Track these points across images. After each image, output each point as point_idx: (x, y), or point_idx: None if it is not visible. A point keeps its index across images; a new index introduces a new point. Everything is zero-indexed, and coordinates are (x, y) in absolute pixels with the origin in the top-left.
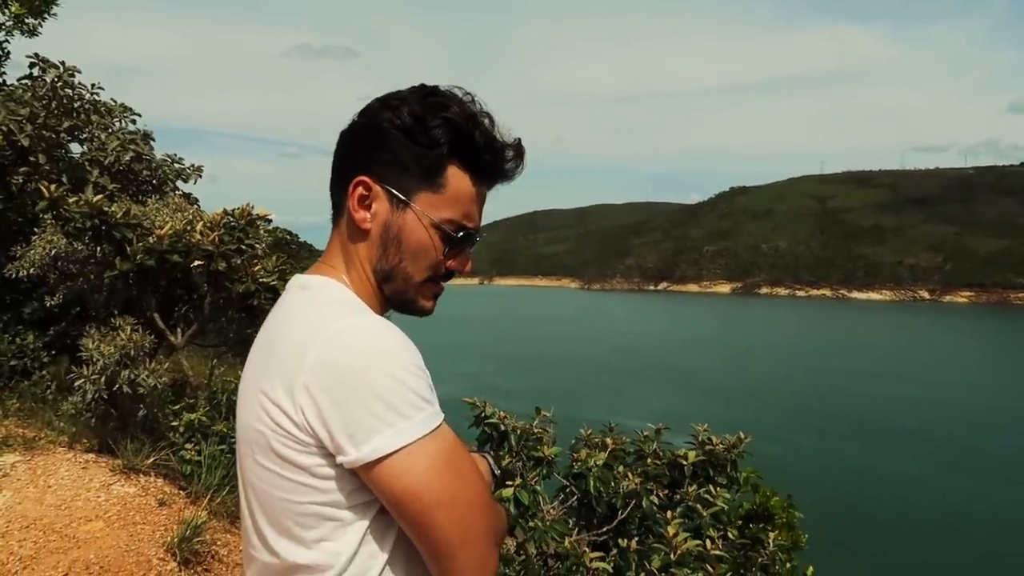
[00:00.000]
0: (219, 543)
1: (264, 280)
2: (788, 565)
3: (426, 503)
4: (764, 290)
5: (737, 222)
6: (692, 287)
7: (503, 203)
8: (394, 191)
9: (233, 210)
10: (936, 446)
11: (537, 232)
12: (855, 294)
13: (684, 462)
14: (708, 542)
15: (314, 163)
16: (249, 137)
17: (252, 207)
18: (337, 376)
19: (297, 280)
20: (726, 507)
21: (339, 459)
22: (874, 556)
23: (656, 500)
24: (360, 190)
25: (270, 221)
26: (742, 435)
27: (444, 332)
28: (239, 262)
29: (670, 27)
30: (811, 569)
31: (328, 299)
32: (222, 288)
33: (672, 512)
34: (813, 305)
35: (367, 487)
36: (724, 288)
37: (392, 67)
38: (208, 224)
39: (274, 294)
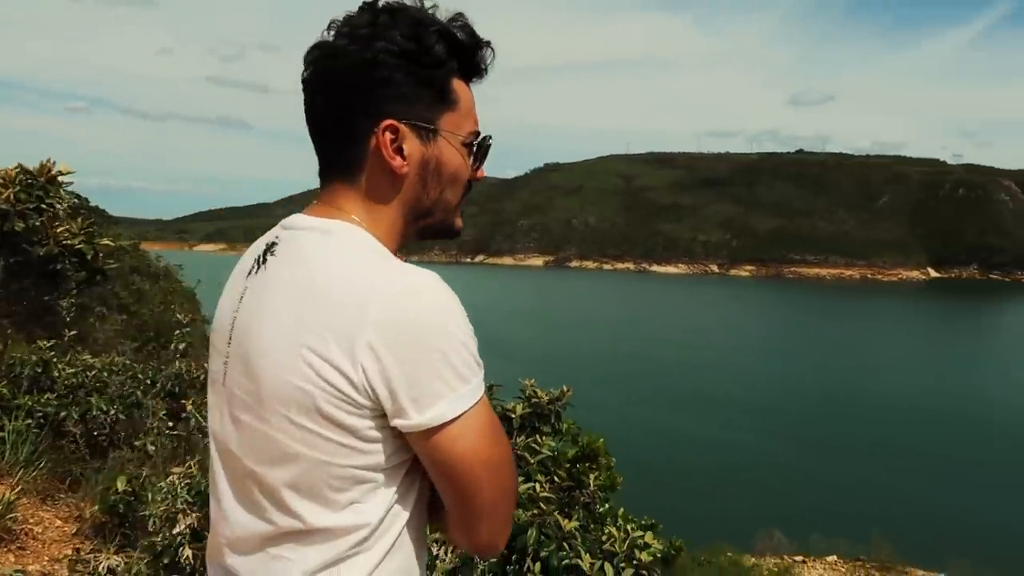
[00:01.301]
0: (32, 521)
1: (68, 243)
2: (607, 505)
3: (477, 466)
4: (575, 263)
5: (550, 197)
6: (507, 260)
7: (306, 172)
8: (422, 124)
9: (31, 167)
10: (729, 407)
11: None
12: (655, 267)
13: (512, 415)
14: (537, 485)
15: (104, 119)
16: (30, 87)
17: (53, 163)
18: (406, 336)
19: (305, 222)
20: (552, 454)
21: (397, 422)
22: (670, 511)
23: None
24: (389, 135)
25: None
26: (565, 388)
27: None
28: (39, 223)
29: (488, 2)
30: (622, 510)
31: (366, 247)
32: (19, 251)
33: None
34: (618, 277)
35: (405, 448)
36: (537, 261)
37: (195, 18)
38: (0, 180)
39: (80, 258)
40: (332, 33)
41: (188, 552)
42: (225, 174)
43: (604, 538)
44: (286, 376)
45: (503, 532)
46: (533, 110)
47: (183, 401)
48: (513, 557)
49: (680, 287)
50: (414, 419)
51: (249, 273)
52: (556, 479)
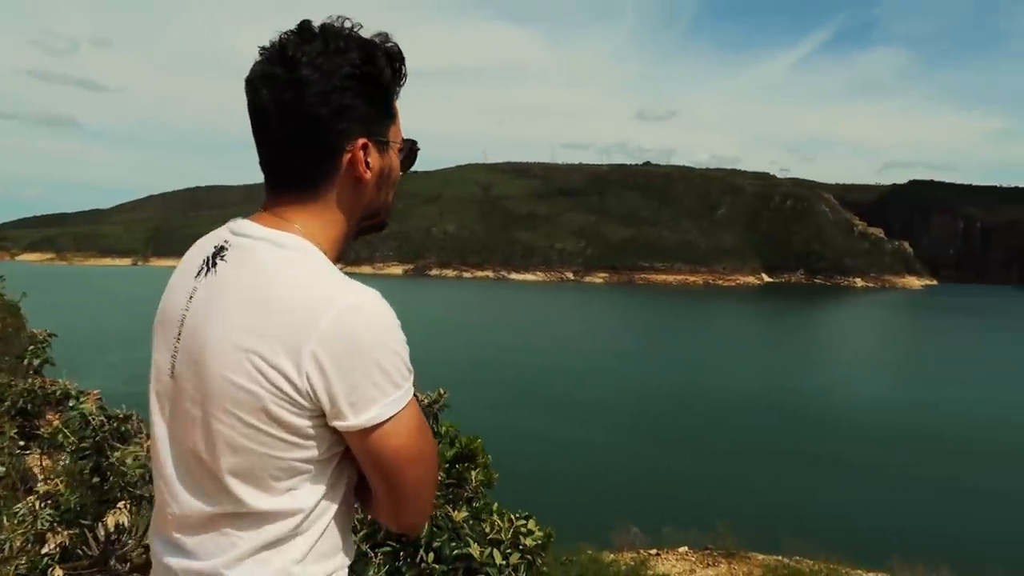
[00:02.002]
0: None
1: None
2: (483, 500)
3: (405, 459)
4: (434, 271)
5: (409, 205)
6: (366, 269)
7: (158, 175)
8: (381, 139)
9: None
10: (587, 408)
11: (200, 209)
12: (513, 275)
13: None
14: None
15: None
16: None
17: None
18: (347, 349)
19: (257, 231)
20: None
21: (335, 423)
22: (533, 512)
23: None
24: (361, 152)
25: None
26: (441, 391)
27: (92, 317)
28: None
29: (347, 4)
30: (496, 505)
31: (316, 263)
32: None
33: None
34: (478, 285)
35: (339, 443)
36: (397, 270)
37: (15, 7)
38: None
39: None
40: (283, 55)
41: (59, 572)
42: (48, 177)
43: (488, 529)
44: (235, 378)
45: (425, 514)
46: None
47: (38, 420)
48: (406, 549)
49: (538, 294)
50: (351, 421)
51: (198, 274)
52: (440, 477)
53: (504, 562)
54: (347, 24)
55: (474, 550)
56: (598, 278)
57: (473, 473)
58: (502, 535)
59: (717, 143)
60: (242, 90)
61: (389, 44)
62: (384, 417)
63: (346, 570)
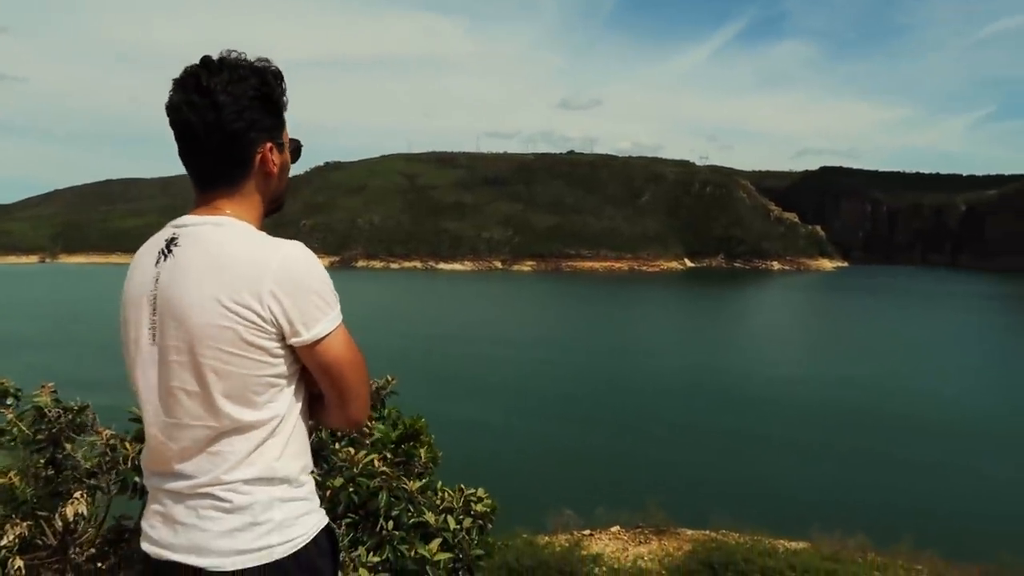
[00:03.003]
0: None
1: None
2: (432, 476)
3: (345, 363)
4: (361, 263)
5: (333, 196)
6: None
7: (65, 169)
8: (281, 142)
9: None
10: (519, 395)
11: (113, 203)
12: (442, 265)
13: None
14: (376, 460)
15: None
16: None
17: None
18: (294, 284)
19: (198, 220)
20: (381, 436)
21: (293, 340)
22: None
23: (325, 435)
24: (269, 153)
25: None
26: (389, 377)
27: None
28: None
29: None
30: (440, 483)
31: (249, 231)
32: None
33: (340, 443)
34: (406, 276)
35: (296, 361)
36: (323, 262)
37: None
38: None
39: None
40: (198, 85)
41: (19, 563)
42: None
43: (438, 501)
44: (217, 321)
45: (365, 411)
46: (309, 106)
47: None
48: (366, 521)
49: (467, 283)
50: (304, 336)
51: (157, 262)
52: (388, 456)
53: (458, 526)
54: (237, 55)
55: (429, 517)
56: (526, 266)
57: (422, 451)
58: (454, 503)
59: (639, 132)
60: (154, 81)
61: (273, 68)
62: (328, 330)
63: (310, 468)
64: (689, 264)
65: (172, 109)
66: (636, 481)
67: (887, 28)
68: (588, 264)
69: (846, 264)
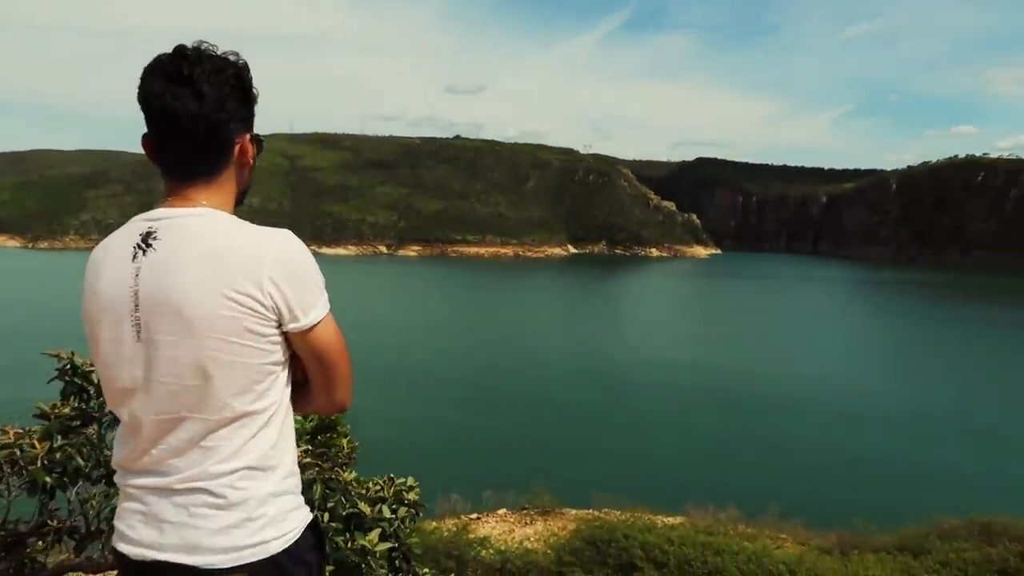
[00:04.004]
0: None
1: None
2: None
3: (336, 349)
4: None
5: None
6: None
7: None
8: (255, 135)
9: None
10: (405, 381)
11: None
12: (325, 249)
13: None
14: (300, 452)
15: None
16: None
17: None
18: (291, 271)
19: (177, 212)
20: (296, 427)
21: (291, 326)
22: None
23: None
24: (247, 145)
25: None
26: None
27: None
28: None
29: None
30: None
31: (235, 221)
32: None
33: None
34: None
35: (287, 348)
36: None
37: None
38: None
39: None
40: (180, 75)
41: None
42: None
43: (366, 491)
44: (217, 312)
45: (350, 395)
46: None
47: None
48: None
49: (352, 268)
50: (302, 321)
51: (134, 258)
52: (309, 448)
53: (393, 516)
54: (211, 47)
55: (364, 508)
56: (411, 251)
57: (344, 441)
58: (385, 493)
59: (524, 118)
60: (13, 53)
61: (242, 61)
62: (322, 316)
63: (296, 455)
64: (572, 250)
65: (154, 97)
66: (522, 464)
67: (761, 26)
68: (474, 249)
69: (719, 251)
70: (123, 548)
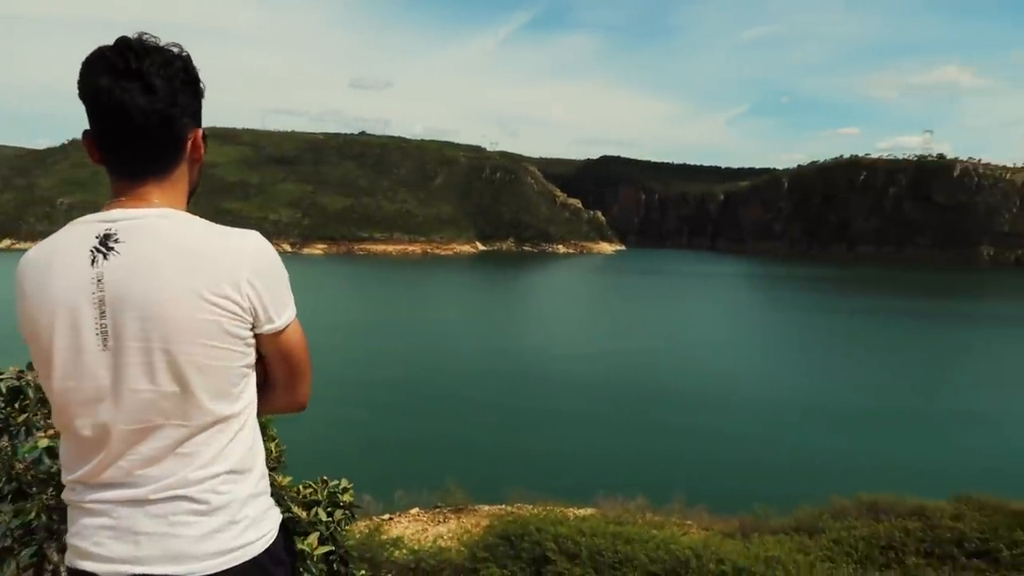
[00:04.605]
0: None
1: None
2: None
3: (302, 348)
4: None
5: (95, 172)
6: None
7: None
8: (204, 129)
9: None
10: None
11: None
12: None
13: None
14: None
15: None
16: None
17: None
18: (268, 273)
19: (135, 213)
20: None
21: (267, 327)
22: None
23: None
24: (199, 140)
25: None
26: None
27: None
28: None
29: None
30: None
31: (201, 221)
32: None
33: None
34: None
35: (256, 350)
36: None
37: None
38: None
39: None
40: (129, 68)
41: None
42: None
43: (297, 495)
44: (194, 315)
45: (309, 393)
46: (62, 70)
47: None
48: None
49: None
50: (277, 323)
51: (93, 262)
52: None
53: (329, 518)
54: (151, 37)
55: (299, 512)
56: (317, 249)
57: (272, 445)
58: (319, 496)
59: (431, 115)
60: None
61: (186, 52)
62: (293, 316)
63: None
64: (481, 247)
65: (102, 92)
66: (435, 462)
67: (663, 27)
68: (382, 247)
69: (623, 247)
70: (89, 566)
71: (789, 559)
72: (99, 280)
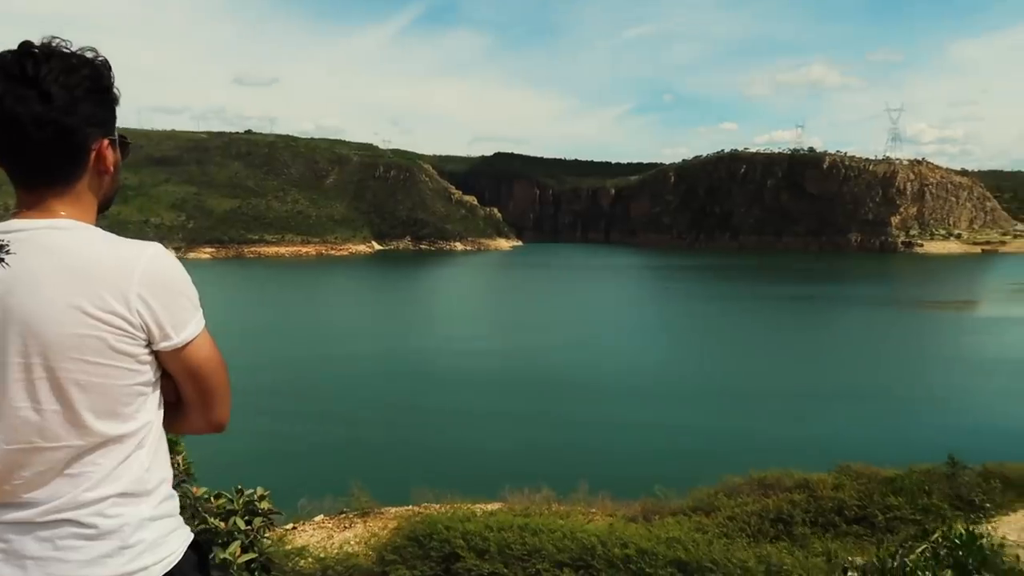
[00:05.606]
0: None
1: None
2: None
3: (212, 366)
4: None
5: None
6: None
7: None
8: (114, 138)
9: None
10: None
11: None
12: None
13: None
14: None
15: None
16: None
17: None
18: (162, 287)
19: (32, 224)
20: None
21: (163, 345)
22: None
23: None
24: (104, 151)
25: None
26: None
27: None
28: None
29: None
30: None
31: (98, 233)
32: None
33: None
34: None
35: (158, 368)
36: None
37: None
38: None
39: None
40: (25, 74)
41: None
42: None
43: (216, 507)
44: (76, 331)
45: (227, 413)
46: None
47: None
48: None
49: None
50: (174, 339)
51: None
52: None
53: (248, 527)
54: (63, 44)
55: (216, 523)
56: (204, 253)
57: (180, 458)
58: (235, 505)
59: (321, 112)
60: None
61: (101, 59)
62: (196, 333)
63: (171, 477)
64: (377, 247)
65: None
66: (338, 468)
67: (548, 25)
68: (273, 249)
69: (520, 243)
70: None
71: (688, 538)
72: None
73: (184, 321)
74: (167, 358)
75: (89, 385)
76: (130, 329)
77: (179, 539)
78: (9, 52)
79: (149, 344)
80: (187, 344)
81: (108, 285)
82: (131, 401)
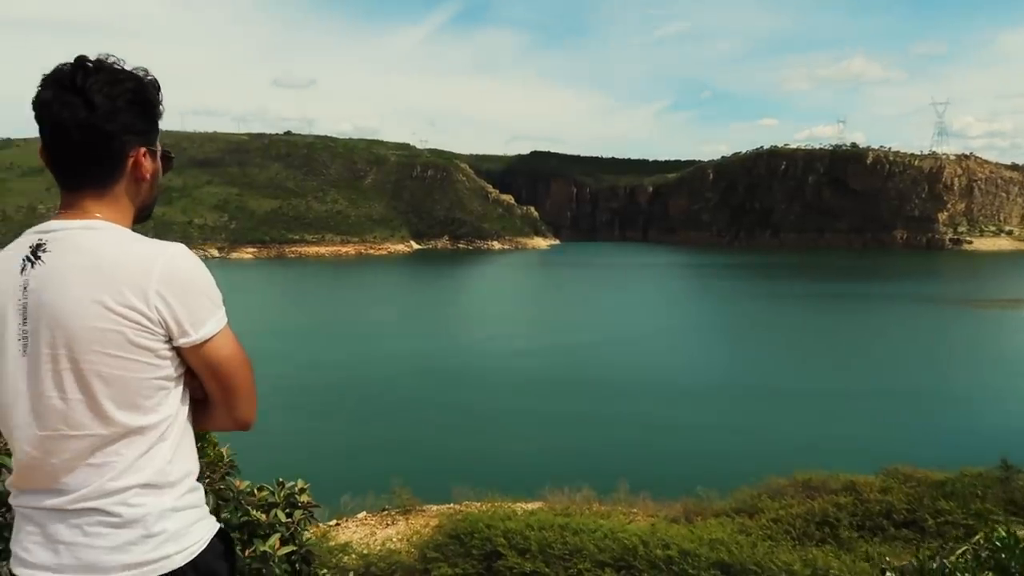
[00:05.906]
0: None
1: None
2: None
3: (235, 364)
4: None
5: (4, 179)
6: None
7: None
8: (154, 149)
9: None
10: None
11: None
12: None
13: None
14: None
15: None
16: None
17: None
18: (181, 285)
19: (67, 224)
20: None
21: (181, 341)
22: None
23: None
24: (141, 158)
25: None
26: None
27: None
28: None
29: None
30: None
31: (126, 233)
32: None
33: None
34: None
35: (182, 364)
36: None
37: None
38: None
39: None
40: (74, 85)
41: None
42: None
43: (259, 500)
44: (98, 325)
45: (254, 411)
46: None
47: None
48: None
49: None
50: (193, 336)
51: (23, 271)
52: None
53: (288, 519)
54: (115, 60)
55: (258, 515)
56: (246, 253)
57: (224, 450)
58: (276, 498)
59: (358, 113)
60: None
61: (150, 77)
62: (216, 330)
63: (197, 470)
64: (415, 246)
65: (43, 106)
66: (380, 465)
67: (582, 23)
68: (314, 249)
69: (557, 241)
70: (20, 572)
71: (732, 540)
72: (24, 287)
73: (203, 319)
74: (188, 354)
75: (110, 377)
76: (149, 324)
77: (203, 529)
78: (66, 64)
79: (169, 340)
80: (207, 341)
81: (129, 282)
82: (152, 394)
